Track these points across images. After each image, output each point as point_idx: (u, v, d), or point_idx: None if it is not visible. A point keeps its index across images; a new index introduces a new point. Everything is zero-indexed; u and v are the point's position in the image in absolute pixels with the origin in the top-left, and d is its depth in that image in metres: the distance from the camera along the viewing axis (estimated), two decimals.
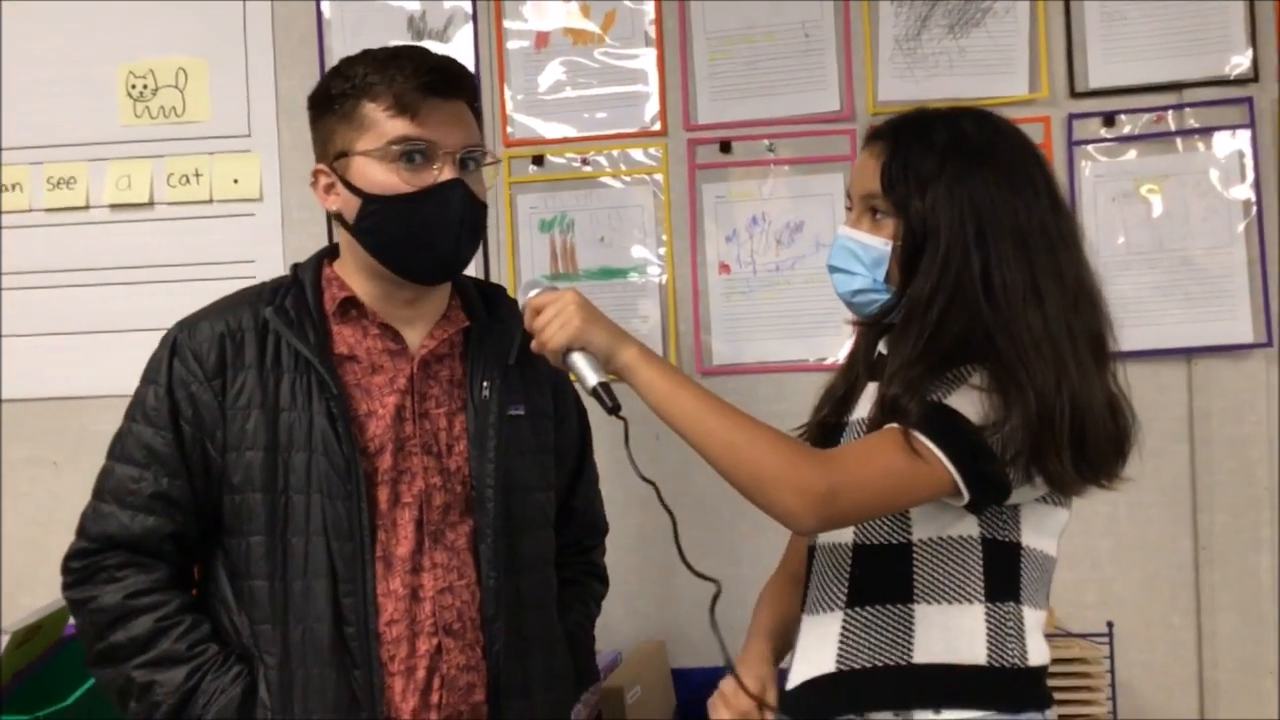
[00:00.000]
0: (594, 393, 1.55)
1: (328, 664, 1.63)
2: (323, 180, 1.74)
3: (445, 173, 1.67)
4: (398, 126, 1.67)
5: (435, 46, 2.61)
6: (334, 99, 1.71)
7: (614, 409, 1.55)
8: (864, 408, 1.61)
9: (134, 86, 2.78)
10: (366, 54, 1.73)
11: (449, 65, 1.72)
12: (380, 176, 1.67)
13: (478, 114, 1.77)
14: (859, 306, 1.62)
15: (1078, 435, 1.46)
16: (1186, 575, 2.53)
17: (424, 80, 1.66)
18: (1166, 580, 2.54)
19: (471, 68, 2.68)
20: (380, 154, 1.67)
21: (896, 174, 1.55)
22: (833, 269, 1.62)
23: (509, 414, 1.75)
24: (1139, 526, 2.53)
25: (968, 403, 1.46)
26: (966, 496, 1.46)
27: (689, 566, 1.59)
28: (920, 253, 1.53)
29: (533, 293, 1.62)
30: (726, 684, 1.66)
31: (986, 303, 1.49)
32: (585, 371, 1.56)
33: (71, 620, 1.79)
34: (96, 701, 2.17)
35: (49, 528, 2.70)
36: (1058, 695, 2.14)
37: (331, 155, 1.72)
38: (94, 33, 2.78)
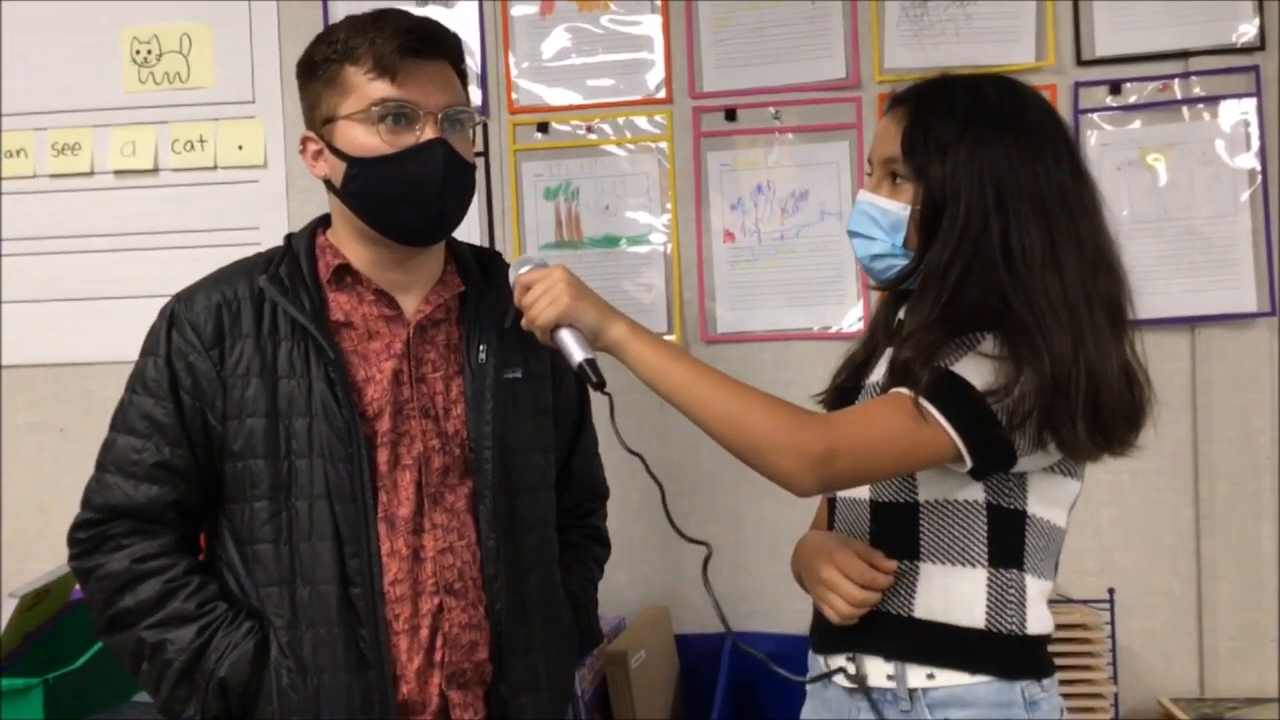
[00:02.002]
0: (579, 369, 1.55)
1: (335, 624, 1.65)
2: (311, 147, 1.75)
3: (427, 133, 1.67)
4: (378, 88, 1.67)
5: (439, 12, 2.63)
6: (318, 65, 1.72)
7: (599, 385, 1.55)
8: (880, 371, 1.61)
9: (138, 52, 2.77)
10: (349, 18, 1.73)
11: (429, 26, 1.72)
12: (363, 139, 1.68)
13: (463, 75, 1.76)
14: (877, 271, 1.62)
15: (1092, 402, 1.46)
16: (1188, 543, 2.55)
17: (403, 41, 1.66)
18: (1168, 547, 2.56)
19: (476, 34, 2.68)
20: (363, 116, 1.67)
21: (917, 139, 1.54)
22: (852, 233, 1.62)
23: (506, 377, 1.76)
24: (1141, 494, 2.54)
25: (974, 369, 1.46)
26: (969, 463, 1.47)
27: (678, 531, 1.60)
28: (940, 218, 1.52)
29: (523, 269, 1.62)
30: (845, 558, 1.57)
31: (1005, 268, 1.49)
32: (572, 348, 1.55)
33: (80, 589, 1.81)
34: (104, 664, 2.19)
35: (55, 493, 2.72)
36: (1058, 661, 2.15)
37: (319, 121, 1.73)
38: None
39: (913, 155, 1.55)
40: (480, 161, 2.64)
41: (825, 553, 1.60)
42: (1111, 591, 2.44)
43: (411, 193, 1.68)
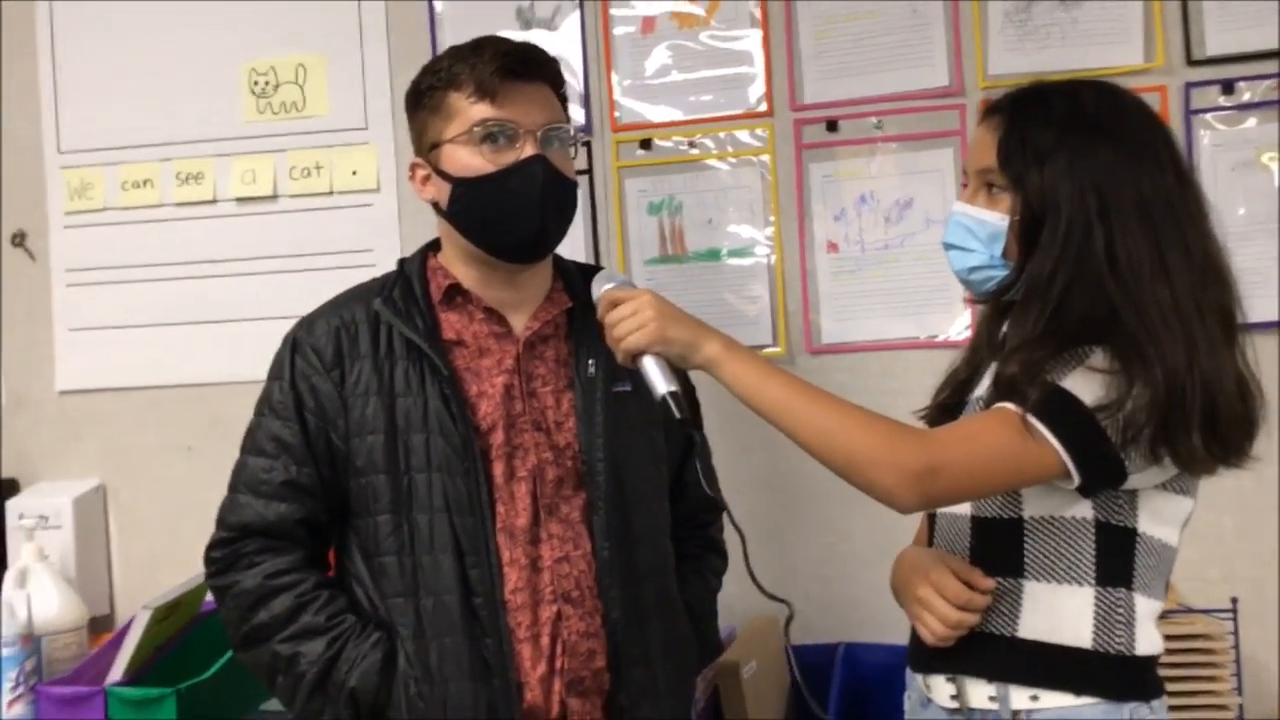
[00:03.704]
0: (662, 402, 1.55)
1: (460, 633, 1.69)
2: (419, 173, 1.83)
3: (527, 150, 1.74)
4: (480, 110, 1.74)
5: (543, 35, 2.69)
6: (423, 93, 1.80)
7: (684, 420, 1.55)
8: (985, 386, 1.59)
9: (256, 84, 2.87)
10: (451, 48, 1.82)
11: (528, 49, 1.79)
12: (467, 160, 1.75)
13: (563, 98, 1.82)
14: (976, 284, 1.60)
15: (1208, 414, 1.42)
16: None
17: (502, 64, 1.73)
18: None
19: (579, 55, 2.72)
20: (466, 138, 1.74)
21: (1014, 148, 1.52)
22: (948, 245, 1.60)
23: (615, 390, 1.80)
24: (1264, 500, 2.47)
25: (1084, 384, 1.44)
26: (1077, 480, 1.44)
27: (760, 588, 1.61)
28: (1039, 228, 1.50)
29: (609, 285, 1.63)
30: (941, 577, 1.54)
31: (1112, 278, 1.45)
32: (656, 379, 1.55)
33: (210, 598, 1.88)
34: (233, 674, 2.27)
35: (184, 510, 2.81)
36: (1181, 672, 2.12)
37: (426, 147, 1.81)
38: (217, 33, 2.88)
39: (1009, 165, 1.52)
40: (584, 179, 2.68)
41: (921, 570, 1.57)
42: (1235, 600, 2.38)
43: (513, 208, 1.73)
